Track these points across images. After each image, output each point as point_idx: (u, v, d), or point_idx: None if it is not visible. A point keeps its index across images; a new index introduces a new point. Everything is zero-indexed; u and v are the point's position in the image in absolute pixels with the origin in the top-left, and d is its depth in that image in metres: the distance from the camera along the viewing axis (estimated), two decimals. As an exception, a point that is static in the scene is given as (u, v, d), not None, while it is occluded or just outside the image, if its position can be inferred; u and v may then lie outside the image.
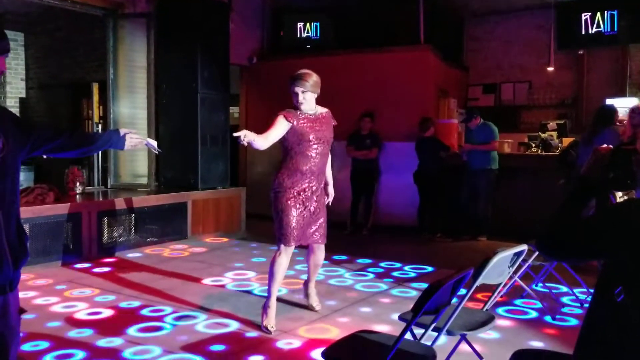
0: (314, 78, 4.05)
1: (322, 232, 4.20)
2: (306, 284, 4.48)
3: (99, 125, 8.78)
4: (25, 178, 7.99)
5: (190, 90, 7.33)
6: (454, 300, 2.68)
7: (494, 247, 2.88)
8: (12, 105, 9.97)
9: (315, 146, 4.09)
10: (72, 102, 9.67)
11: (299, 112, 4.06)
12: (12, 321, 1.99)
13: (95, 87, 8.71)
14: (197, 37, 7.28)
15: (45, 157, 2.58)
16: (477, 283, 2.74)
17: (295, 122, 4.03)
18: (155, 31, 7.44)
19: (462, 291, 2.71)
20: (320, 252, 4.29)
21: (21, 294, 2.11)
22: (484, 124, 7.36)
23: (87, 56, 9.12)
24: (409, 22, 8.57)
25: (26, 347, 3.56)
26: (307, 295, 4.45)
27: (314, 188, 4.13)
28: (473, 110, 7.80)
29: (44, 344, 3.65)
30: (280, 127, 4.01)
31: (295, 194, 4.05)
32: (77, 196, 6.59)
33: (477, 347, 3.16)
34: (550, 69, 8.89)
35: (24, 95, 10.26)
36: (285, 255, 4.01)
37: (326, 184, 4.35)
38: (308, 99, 4.05)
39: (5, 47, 1.98)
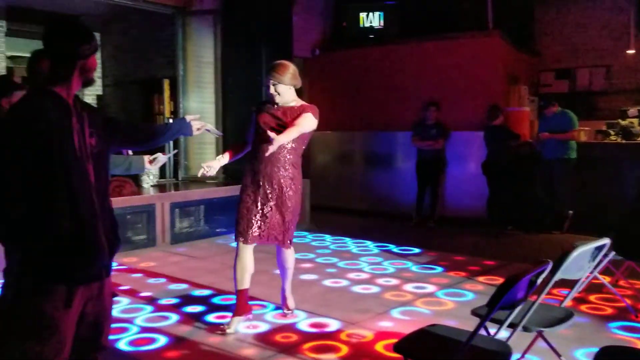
0: (289, 70, 3.72)
1: (278, 234, 3.76)
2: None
3: (170, 120, 9.07)
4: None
5: (255, 83, 7.45)
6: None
7: (570, 241, 2.76)
8: (90, 102, 10.42)
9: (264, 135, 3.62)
10: (144, 98, 10.04)
11: (268, 105, 3.80)
12: (107, 303, 2.20)
13: (166, 83, 9.01)
14: (261, 31, 7.38)
15: (127, 152, 2.77)
16: (556, 278, 2.63)
17: (257, 112, 3.82)
18: (222, 27, 7.59)
19: (538, 286, 2.61)
20: (284, 255, 3.91)
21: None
22: (562, 112, 7.08)
23: (158, 53, 9.42)
24: (476, 7, 8.32)
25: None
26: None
27: (262, 187, 3.74)
28: (550, 97, 7.50)
29: (122, 329, 3.82)
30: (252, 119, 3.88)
31: (247, 189, 3.81)
32: (151, 188, 6.85)
33: (554, 344, 3.04)
34: (631, 52, 8.39)
35: (100, 93, 10.73)
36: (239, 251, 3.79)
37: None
38: (282, 92, 3.71)
39: (96, 46, 2.14)
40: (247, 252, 3.75)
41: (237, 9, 7.56)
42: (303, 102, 3.84)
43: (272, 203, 3.73)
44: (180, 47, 7.80)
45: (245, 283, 3.76)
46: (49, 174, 1.97)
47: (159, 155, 3.02)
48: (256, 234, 3.72)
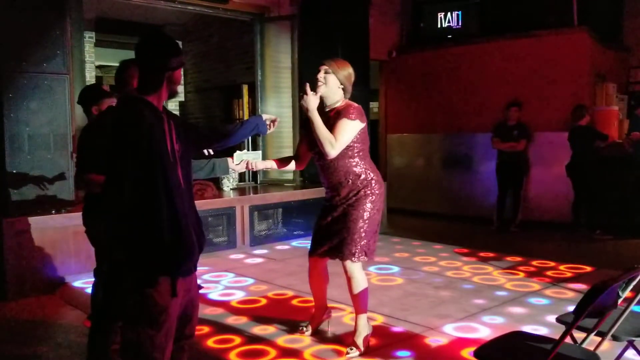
0: (348, 69, 3.42)
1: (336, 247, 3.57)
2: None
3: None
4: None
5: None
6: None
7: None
8: (173, 108, 10.91)
9: (316, 149, 3.51)
10: (224, 104, 10.38)
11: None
12: (195, 295, 2.39)
13: (245, 89, 9.26)
14: (338, 35, 7.43)
15: (207, 153, 2.92)
16: (649, 286, 2.49)
17: (305, 127, 3.58)
18: (299, 32, 7.72)
19: (629, 294, 2.48)
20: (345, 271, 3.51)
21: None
22: None
23: (237, 60, 9.70)
24: (561, 2, 7.98)
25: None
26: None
27: (333, 201, 3.70)
28: None
29: (205, 329, 3.96)
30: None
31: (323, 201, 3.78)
32: (231, 191, 7.08)
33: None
34: None
35: (182, 99, 11.19)
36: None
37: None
38: (330, 84, 3.38)
39: (183, 60, 2.29)
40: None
41: (314, 14, 7.66)
42: (348, 102, 3.46)
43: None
44: (259, 53, 7.99)
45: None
46: (151, 175, 2.11)
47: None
48: None
